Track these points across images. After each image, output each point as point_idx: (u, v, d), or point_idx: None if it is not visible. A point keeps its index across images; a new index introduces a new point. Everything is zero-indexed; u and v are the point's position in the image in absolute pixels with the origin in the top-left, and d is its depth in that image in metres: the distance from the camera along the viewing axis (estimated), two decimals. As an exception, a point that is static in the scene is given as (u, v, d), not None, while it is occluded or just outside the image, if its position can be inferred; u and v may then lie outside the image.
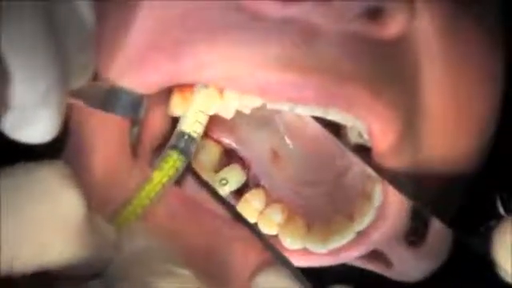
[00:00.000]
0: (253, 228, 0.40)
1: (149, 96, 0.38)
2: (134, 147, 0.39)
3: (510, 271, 0.33)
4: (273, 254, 0.38)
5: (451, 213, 0.41)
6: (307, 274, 0.38)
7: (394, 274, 0.44)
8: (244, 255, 0.38)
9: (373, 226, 0.41)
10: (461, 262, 0.39)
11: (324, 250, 0.41)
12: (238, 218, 0.40)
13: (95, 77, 0.36)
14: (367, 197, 0.41)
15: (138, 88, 0.37)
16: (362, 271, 0.42)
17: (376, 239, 0.41)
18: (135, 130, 0.38)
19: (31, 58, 0.30)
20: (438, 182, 0.40)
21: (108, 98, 0.37)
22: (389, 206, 0.40)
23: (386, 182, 0.40)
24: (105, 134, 0.38)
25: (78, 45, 0.33)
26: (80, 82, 0.34)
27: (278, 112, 0.42)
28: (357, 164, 0.41)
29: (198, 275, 0.37)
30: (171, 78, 0.37)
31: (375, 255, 0.43)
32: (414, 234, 0.42)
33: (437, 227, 0.41)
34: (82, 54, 0.33)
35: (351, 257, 0.41)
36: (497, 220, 0.34)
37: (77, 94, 0.35)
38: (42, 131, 0.32)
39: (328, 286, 0.36)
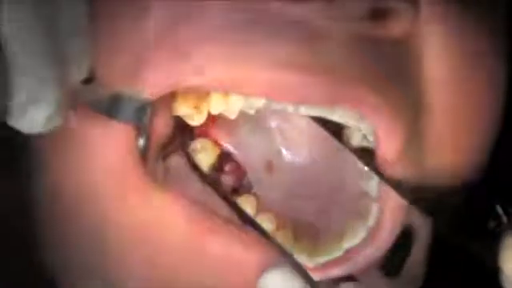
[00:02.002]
0: (258, 226, 0.39)
1: (153, 101, 0.37)
2: (143, 154, 0.38)
3: None
4: (279, 251, 0.38)
5: (452, 217, 0.41)
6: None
7: None
8: (246, 256, 0.38)
9: (361, 246, 0.40)
10: (461, 266, 0.39)
11: (310, 264, 0.41)
12: (242, 216, 0.39)
13: (99, 80, 0.36)
14: (361, 216, 0.41)
15: (144, 91, 0.37)
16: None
17: (360, 261, 0.41)
18: (142, 137, 0.38)
19: (31, 42, 0.31)
20: (442, 185, 0.40)
21: (112, 104, 0.36)
22: (381, 229, 0.40)
23: (383, 202, 0.40)
24: (111, 142, 0.37)
25: (70, 29, 0.33)
26: (78, 71, 0.34)
27: (278, 120, 0.43)
28: (353, 181, 0.41)
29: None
30: (176, 80, 0.37)
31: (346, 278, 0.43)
32: (391, 264, 0.42)
33: (415, 259, 0.41)
34: (74, 39, 0.33)
35: (337, 273, 0.41)
36: (497, 225, 0.34)
37: (81, 98, 0.35)
38: (42, 118, 0.32)
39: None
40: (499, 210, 0.36)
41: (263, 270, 0.37)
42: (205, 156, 0.41)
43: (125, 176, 0.37)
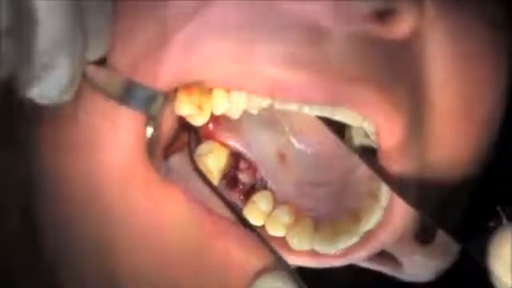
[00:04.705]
0: (257, 232, 0.40)
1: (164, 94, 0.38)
2: (151, 147, 0.39)
3: (510, 284, 0.33)
4: (275, 258, 0.38)
5: (454, 219, 0.41)
6: (307, 279, 0.38)
7: (403, 274, 0.43)
8: (245, 259, 0.38)
9: (380, 225, 0.40)
10: (460, 268, 0.39)
11: (332, 251, 0.41)
12: (243, 222, 0.40)
13: (113, 67, 0.37)
14: (374, 196, 0.40)
15: (152, 83, 0.37)
16: (358, 277, 0.42)
17: (384, 239, 0.41)
18: (151, 128, 0.38)
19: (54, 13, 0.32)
20: (443, 185, 0.40)
21: (124, 90, 0.37)
22: (396, 206, 0.40)
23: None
24: (121, 133, 0.38)
25: (93, 5, 0.34)
26: (95, 48, 0.35)
27: (285, 113, 0.42)
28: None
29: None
30: (183, 74, 0.38)
31: (384, 256, 0.43)
32: (423, 233, 0.41)
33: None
34: (97, 15, 0.35)
35: (359, 257, 0.41)
36: (497, 225, 0.34)
37: (94, 83, 0.36)
38: (56, 87, 0.33)
39: None
40: (499, 210, 0.36)
41: (259, 274, 0.37)
42: (213, 159, 0.42)
43: (131, 170, 0.38)
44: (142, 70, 0.37)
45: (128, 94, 0.37)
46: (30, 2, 0.32)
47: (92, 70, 0.36)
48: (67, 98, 0.34)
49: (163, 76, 0.37)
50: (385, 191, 0.40)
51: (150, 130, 0.38)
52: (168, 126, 0.40)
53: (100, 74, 0.36)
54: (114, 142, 0.38)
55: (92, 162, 0.38)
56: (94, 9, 0.34)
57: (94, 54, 0.36)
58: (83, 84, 0.35)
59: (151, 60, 0.37)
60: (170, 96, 0.39)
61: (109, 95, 0.37)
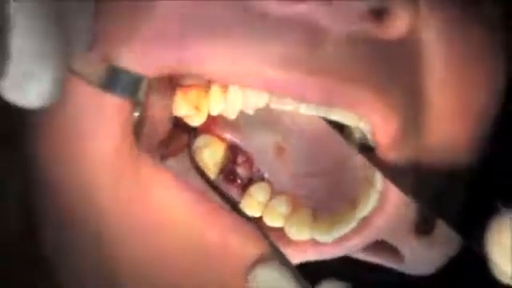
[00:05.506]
0: (254, 223, 0.40)
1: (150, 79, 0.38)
2: (137, 131, 0.39)
3: (509, 272, 0.33)
4: (272, 249, 0.38)
5: (452, 212, 0.41)
6: (303, 270, 0.38)
7: (406, 267, 0.43)
8: (242, 249, 0.38)
9: (375, 212, 0.40)
10: (460, 260, 0.38)
11: (329, 239, 0.41)
12: (240, 213, 0.40)
13: (96, 53, 0.36)
14: (370, 183, 0.40)
15: (136, 67, 0.37)
16: (357, 269, 0.41)
17: (380, 225, 0.40)
18: (137, 113, 0.38)
19: (34, 16, 0.31)
20: (440, 180, 0.40)
21: (107, 77, 0.36)
22: (390, 192, 0.40)
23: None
24: (107, 120, 0.37)
25: (74, 4, 0.34)
26: (78, 45, 0.35)
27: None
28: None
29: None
30: (175, 63, 0.37)
31: (385, 248, 0.42)
32: (424, 222, 0.41)
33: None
34: (79, 13, 0.34)
35: (355, 245, 0.41)
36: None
37: (77, 71, 0.36)
38: (40, 89, 0.32)
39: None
40: (500, 206, 0.36)
41: (256, 264, 0.37)
42: (210, 152, 0.42)
43: (120, 157, 0.38)
44: (126, 57, 0.37)
45: (112, 80, 0.36)
46: (6, 7, 0.31)
47: (75, 60, 0.36)
48: (52, 101, 0.33)
49: (148, 60, 0.37)
50: (379, 177, 0.40)
51: (135, 114, 0.38)
52: (165, 124, 0.40)
53: (83, 63, 0.36)
54: (101, 130, 0.37)
55: (81, 150, 0.38)
56: (75, 5, 0.34)
57: (78, 49, 0.35)
58: (67, 73, 0.35)
59: (136, 47, 0.37)
60: (158, 83, 0.39)
61: (93, 83, 0.36)
